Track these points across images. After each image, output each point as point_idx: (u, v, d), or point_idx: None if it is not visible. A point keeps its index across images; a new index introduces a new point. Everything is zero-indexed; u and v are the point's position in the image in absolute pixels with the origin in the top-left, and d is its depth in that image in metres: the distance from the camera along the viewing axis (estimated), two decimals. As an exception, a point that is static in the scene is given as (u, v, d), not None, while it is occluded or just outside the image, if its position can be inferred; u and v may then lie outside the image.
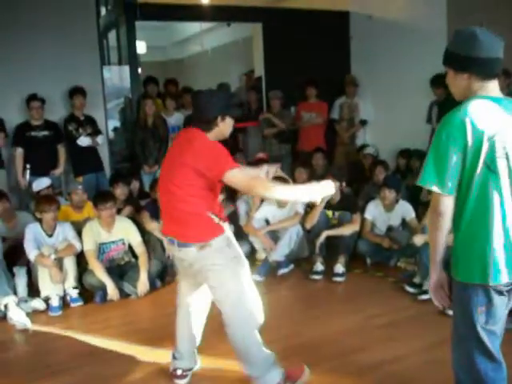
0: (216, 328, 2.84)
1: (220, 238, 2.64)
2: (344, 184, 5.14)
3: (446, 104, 5.40)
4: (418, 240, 4.25)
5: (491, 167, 1.88)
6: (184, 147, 2.63)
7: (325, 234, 4.81)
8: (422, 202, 5.41)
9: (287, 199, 2.60)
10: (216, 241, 2.62)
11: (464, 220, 1.94)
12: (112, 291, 4.27)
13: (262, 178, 2.79)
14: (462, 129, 1.85)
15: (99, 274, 4.29)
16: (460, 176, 1.90)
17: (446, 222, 1.94)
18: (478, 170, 1.88)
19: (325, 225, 4.90)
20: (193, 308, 2.93)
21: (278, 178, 4.99)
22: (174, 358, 3.01)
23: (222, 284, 2.66)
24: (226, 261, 2.64)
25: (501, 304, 1.98)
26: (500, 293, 1.95)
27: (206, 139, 2.65)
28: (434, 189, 1.90)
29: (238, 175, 2.56)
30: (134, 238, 4.54)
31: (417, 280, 4.22)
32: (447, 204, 1.91)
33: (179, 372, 2.99)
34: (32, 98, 5.60)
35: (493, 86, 1.96)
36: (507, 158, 1.90)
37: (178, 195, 2.62)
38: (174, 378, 2.99)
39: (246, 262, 2.73)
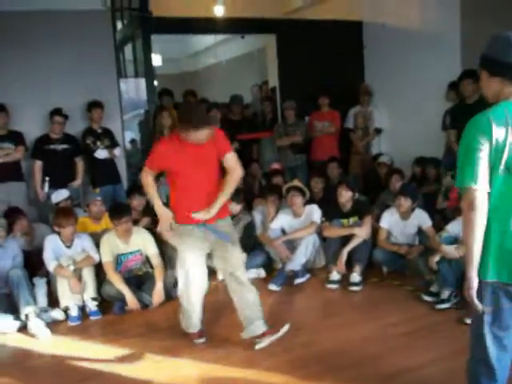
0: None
1: None
2: (357, 194, 5.15)
3: (459, 109, 5.39)
4: (433, 260, 4.17)
5: (511, 170, 1.92)
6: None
7: (345, 251, 4.80)
8: (438, 211, 5.38)
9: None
10: None
11: None
12: (131, 302, 4.31)
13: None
14: (488, 127, 1.89)
15: (118, 284, 4.33)
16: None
17: (482, 217, 1.91)
18: (500, 170, 1.92)
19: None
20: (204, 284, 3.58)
21: (295, 188, 5.08)
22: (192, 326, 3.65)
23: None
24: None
25: (509, 310, 1.98)
26: (510, 295, 1.97)
27: None
28: (472, 185, 1.90)
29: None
30: (151, 249, 4.57)
31: (434, 289, 4.19)
32: (482, 200, 1.91)
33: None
34: (57, 112, 5.69)
35: None
36: None
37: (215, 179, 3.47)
38: (194, 338, 3.63)
39: None
